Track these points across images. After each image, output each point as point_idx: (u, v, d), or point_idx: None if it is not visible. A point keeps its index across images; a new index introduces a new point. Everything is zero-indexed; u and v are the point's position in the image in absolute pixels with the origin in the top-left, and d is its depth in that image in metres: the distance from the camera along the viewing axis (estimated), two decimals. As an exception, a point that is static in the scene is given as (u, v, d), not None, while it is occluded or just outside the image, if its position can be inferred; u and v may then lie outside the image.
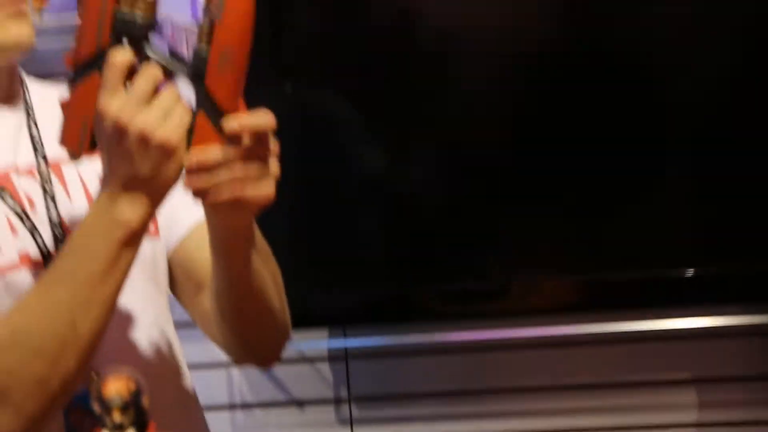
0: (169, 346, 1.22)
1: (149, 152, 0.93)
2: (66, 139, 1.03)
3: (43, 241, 1.16)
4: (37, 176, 1.21)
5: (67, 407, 1.09)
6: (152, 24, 0.96)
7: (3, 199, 1.15)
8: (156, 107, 0.93)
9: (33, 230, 1.16)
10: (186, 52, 1.98)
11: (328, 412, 2.19)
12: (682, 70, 1.95)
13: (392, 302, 2.11)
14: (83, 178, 1.23)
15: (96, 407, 1.00)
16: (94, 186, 1.20)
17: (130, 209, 0.99)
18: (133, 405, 0.99)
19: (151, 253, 1.24)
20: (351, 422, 2.20)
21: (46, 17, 1.38)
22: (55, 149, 1.19)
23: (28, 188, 1.20)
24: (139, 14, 0.95)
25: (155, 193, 0.99)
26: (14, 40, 1.18)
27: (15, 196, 1.18)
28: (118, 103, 0.93)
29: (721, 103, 1.96)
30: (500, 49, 1.98)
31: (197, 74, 0.94)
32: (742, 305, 2.00)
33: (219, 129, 0.94)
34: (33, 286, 1.04)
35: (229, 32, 0.93)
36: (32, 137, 1.23)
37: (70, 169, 1.23)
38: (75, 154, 1.03)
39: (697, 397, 2.14)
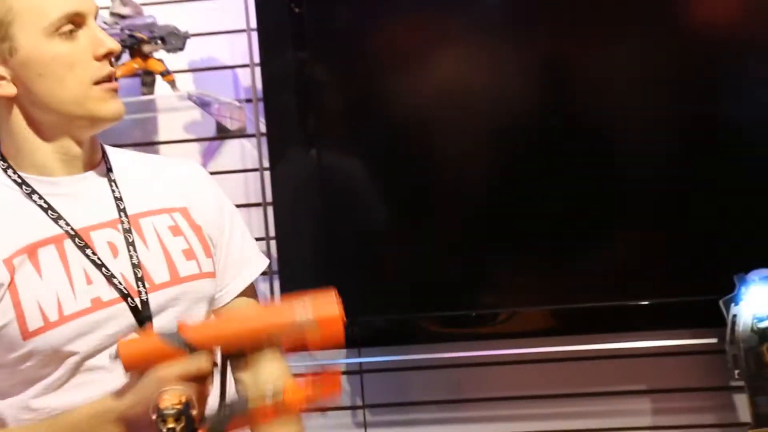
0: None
1: None
2: (126, 351, 1.14)
3: (120, 282, 1.28)
4: (119, 228, 1.32)
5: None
6: None
7: (84, 252, 1.28)
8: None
9: (110, 276, 1.28)
10: (230, 124, 2.11)
11: (346, 417, 2.28)
12: (634, 134, 2.04)
13: (400, 326, 2.15)
14: (157, 229, 1.36)
15: (153, 416, 1.07)
16: (166, 236, 1.35)
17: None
18: (185, 414, 1.06)
19: (211, 292, 1.39)
20: (365, 425, 2.28)
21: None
22: (132, 205, 1.34)
23: (112, 238, 1.31)
24: None
25: None
26: (114, 114, 1.30)
27: (94, 250, 1.29)
28: None
29: (667, 162, 2.05)
30: (484, 123, 2.08)
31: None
32: (688, 329, 2.06)
33: None
34: None
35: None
36: (114, 195, 1.35)
37: (145, 221, 1.35)
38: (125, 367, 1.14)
39: (651, 404, 2.22)
